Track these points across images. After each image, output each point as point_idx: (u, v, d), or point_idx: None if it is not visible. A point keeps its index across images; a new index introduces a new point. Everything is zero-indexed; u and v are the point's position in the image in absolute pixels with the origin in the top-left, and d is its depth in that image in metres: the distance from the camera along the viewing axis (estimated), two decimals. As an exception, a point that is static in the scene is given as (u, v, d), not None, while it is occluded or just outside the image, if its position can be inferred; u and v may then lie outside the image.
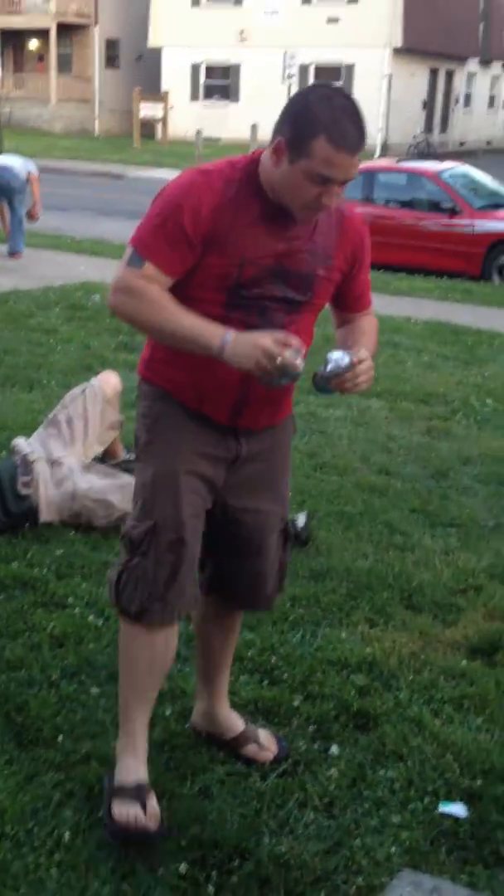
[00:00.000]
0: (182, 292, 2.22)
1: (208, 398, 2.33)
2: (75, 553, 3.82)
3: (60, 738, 2.73)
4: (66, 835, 2.38)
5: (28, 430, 5.01)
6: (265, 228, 2.21)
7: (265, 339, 2.11)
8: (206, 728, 2.77)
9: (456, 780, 2.65)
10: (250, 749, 2.71)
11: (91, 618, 3.34)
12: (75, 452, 4.30)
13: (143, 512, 2.37)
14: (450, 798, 2.59)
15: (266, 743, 2.72)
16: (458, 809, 2.55)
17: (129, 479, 3.71)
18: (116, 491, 4.02)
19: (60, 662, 3.09)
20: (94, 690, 2.96)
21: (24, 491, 4.00)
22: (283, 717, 2.88)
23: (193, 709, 2.81)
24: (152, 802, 2.43)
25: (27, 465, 4.11)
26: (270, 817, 2.49)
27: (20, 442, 4.31)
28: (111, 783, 2.48)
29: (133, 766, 2.47)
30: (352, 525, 4.27)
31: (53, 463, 4.17)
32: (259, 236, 2.21)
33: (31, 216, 10.43)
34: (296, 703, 2.94)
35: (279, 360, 2.08)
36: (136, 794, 2.42)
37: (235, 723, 2.76)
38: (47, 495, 4.03)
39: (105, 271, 10.37)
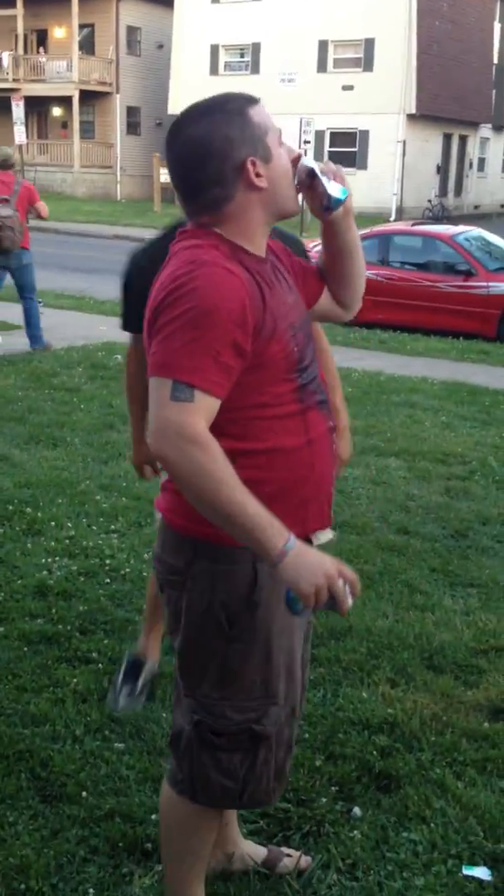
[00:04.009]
0: (249, 403, 1.81)
1: (312, 502, 1.93)
2: (99, 609, 3.85)
3: (84, 794, 2.74)
4: (91, 891, 2.39)
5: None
6: (273, 285, 1.88)
7: (331, 565, 1.77)
8: (227, 864, 2.48)
9: (479, 844, 2.63)
10: (286, 864, 2.51)
11: (114, 674, 3.36)
12: None
13: (267, 698, 1.99)
14: (473, 862, 2.57)
15: (294, 854, 2.54)
16: (481, 873, 2.53)
17: None
18: None
19: (84, 718, 3.11)
20: (118, 746, 2.97)
21: None
22: (305, 776, 2.88)
23: None
24: None
25: None
26: (293, 878, 2.48)
27: None
28: None
29: None
30: (371, 584, 4.28)
31: None
32: (279, 293, 1.87)
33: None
34: (318, 763, 2.93)
35: (337, 590, 1.78)
36: None
37: (257, 847, 2.54)
38: None
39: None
